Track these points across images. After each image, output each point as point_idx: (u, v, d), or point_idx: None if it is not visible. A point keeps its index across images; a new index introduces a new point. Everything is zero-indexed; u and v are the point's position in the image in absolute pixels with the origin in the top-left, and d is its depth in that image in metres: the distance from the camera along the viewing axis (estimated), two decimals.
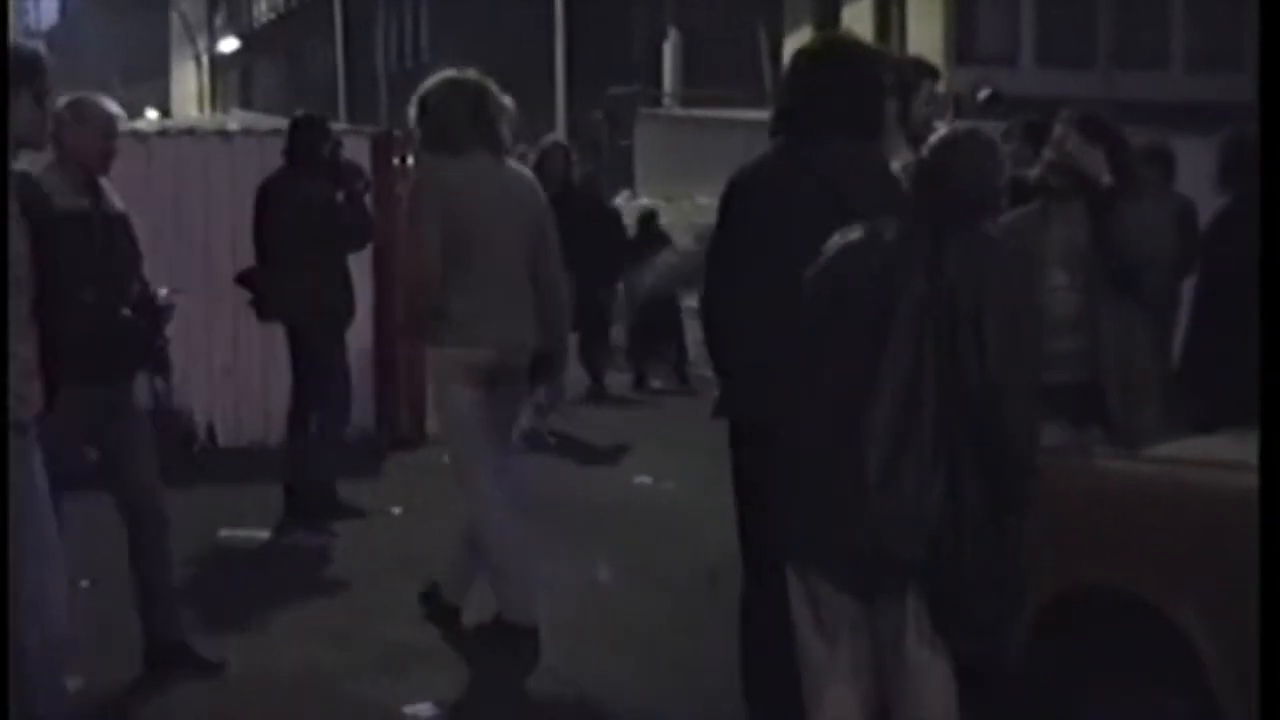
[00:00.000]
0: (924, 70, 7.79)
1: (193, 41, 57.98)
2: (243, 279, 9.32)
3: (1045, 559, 4.55)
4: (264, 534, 8.85)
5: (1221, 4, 18.77)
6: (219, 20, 61.68)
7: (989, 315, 4.25)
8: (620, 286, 14.77)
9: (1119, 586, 4.79)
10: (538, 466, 10.42)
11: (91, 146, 6.29)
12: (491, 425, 6.86)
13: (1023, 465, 4.29)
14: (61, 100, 6.37)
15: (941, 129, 4.90)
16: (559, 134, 20.03)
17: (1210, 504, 4.68)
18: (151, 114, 46.99)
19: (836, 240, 4.53)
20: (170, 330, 6.69)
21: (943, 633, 4.31)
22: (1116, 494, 4.98)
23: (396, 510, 9.39)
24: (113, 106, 6.48)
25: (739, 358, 5.14)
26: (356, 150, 10.60)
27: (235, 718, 6.23)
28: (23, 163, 5.28)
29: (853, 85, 5.18)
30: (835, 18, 25.07)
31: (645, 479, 10.34)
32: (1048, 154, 6.16)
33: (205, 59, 60.35)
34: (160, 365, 6.64)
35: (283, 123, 10.25)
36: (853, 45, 5.49)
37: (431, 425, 9.83)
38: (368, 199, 9.60)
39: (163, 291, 6.65)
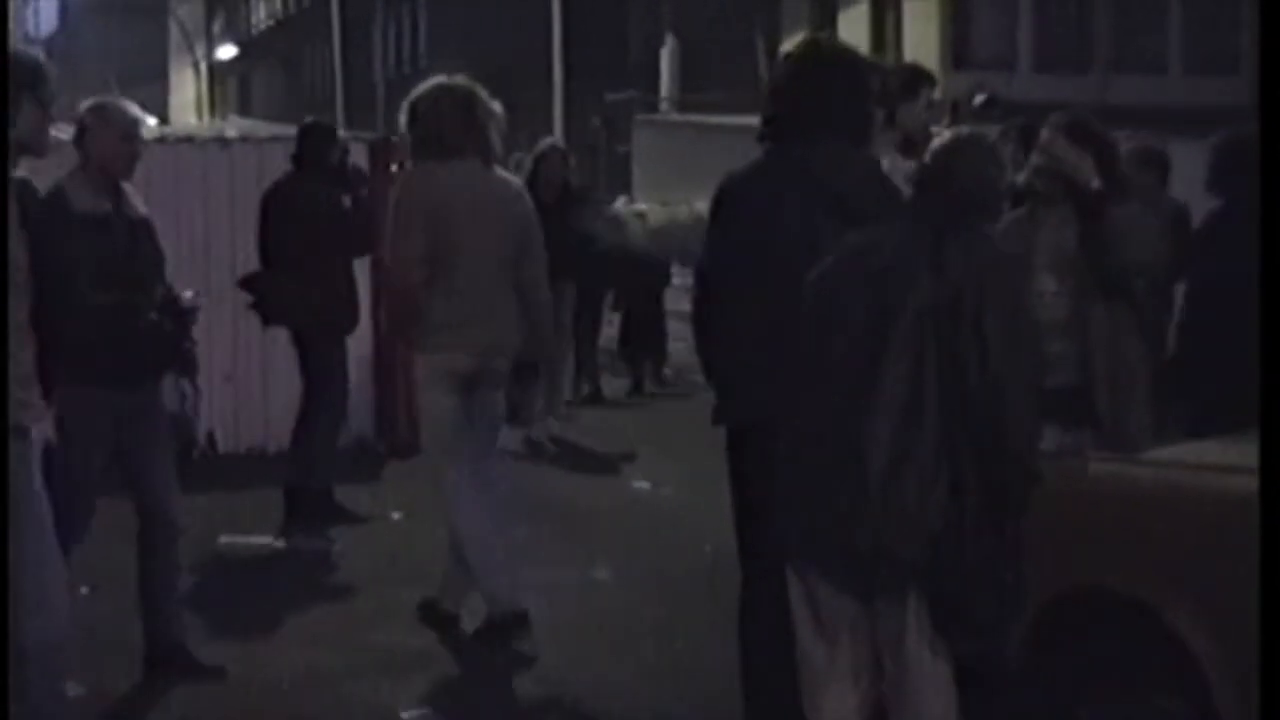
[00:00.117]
0: (921, 77, 7.82)
1: (191, 48, 57.99)
2: (246, 283, 9.32)
3: (1044, 561, 4.57)
4: (264, 540, 8.86)
5: (1218, 8, 18.77)
6: (217, 27, 61.76)
7: (990, 317, 4.27)
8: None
9: (1117, 588, 4.80)
10: (538, 473, 10.46)
11: (115, 149, 6.31)
12: (470, 429, 6.88)
13: (1023, 467, 4.31)
14: (84, 104, 6.41)
15: (943, 133, 4.92)
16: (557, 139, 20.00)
17: (1208, 507, 4.69)
18: (150, 121, 46.97)
19: (839, 244, 4.55)
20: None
21: (943, 633, 4.32)
22: (1115, 496, 4.99)
23: (396, 515, 9.39)
24: (135, 110, 6.50)
25: (736, 362, 5.14)
26: (354, 156, 10.59)
27: None
28: (23, 169, 5.28)
29: (840, 87, 5.18)
30: (832, 23, 25.04)
31: (644, 484, 10.34)
32: (1036, 158, 6.14)
33: (204, 66, 60.40)
34: (187, 367, 6.64)
35: (281, 129, 10.26)
36: (837, 48, 5.52)
37: None
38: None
39: (188, 294, 6.64)
